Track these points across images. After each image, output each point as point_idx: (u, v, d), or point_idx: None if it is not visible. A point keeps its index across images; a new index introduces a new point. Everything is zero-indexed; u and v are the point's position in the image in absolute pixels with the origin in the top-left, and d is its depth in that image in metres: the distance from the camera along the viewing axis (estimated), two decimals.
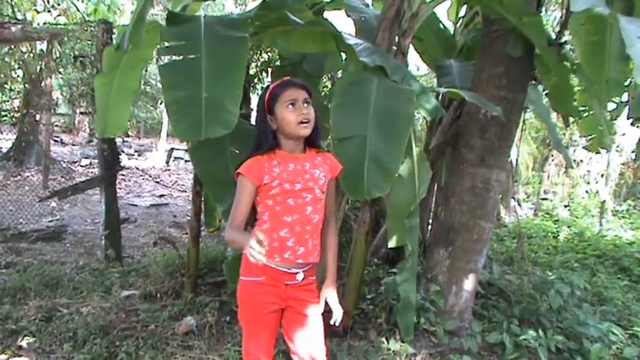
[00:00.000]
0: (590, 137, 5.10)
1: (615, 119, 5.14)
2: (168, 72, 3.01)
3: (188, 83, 2.91)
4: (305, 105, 2.19)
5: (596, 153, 5.47)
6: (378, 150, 3.07)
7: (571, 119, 5.11)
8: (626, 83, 4.19)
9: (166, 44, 3.16)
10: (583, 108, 4.90)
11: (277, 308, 2.26)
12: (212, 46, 3.03)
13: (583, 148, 5.29)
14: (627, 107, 4.73)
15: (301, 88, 2.23)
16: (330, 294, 2.38)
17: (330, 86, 6.67)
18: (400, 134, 3.14)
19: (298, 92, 2.20)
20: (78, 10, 9.17)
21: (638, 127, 5.03)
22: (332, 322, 2.36)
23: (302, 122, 2.17)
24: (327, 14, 4.44)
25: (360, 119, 3.13)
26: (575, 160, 13.12)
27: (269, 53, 6.19)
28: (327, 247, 2.42)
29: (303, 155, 2.28)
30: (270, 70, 5.97)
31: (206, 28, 3.13)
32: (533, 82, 4.65)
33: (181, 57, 3.02)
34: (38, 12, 8.83)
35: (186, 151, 17.18)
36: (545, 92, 4.90)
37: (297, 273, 2.24)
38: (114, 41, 5.49)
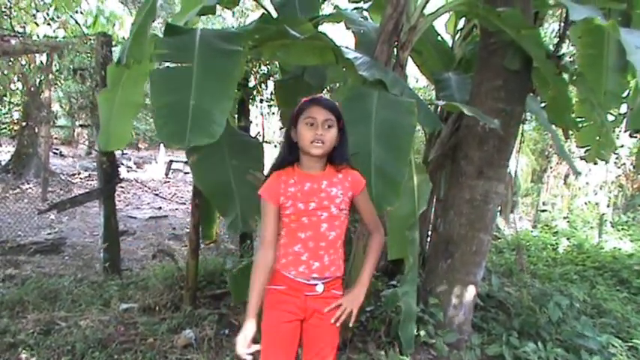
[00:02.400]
0: (587, 148, 5.10)
1: (613, 131, 5.16)
2: (158, 78, 2.99)
3: (177, 90, 2.89)
4: (325, 126, 2.24)
5: (594, 164, 5.48)
6: (383, 163, 3.08)
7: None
8: (624, 95, 4.21)
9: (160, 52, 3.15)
10: (581, 119, 4.92)
11: (296, 319, 2.32)
12: (205, 57, 3.02)
13: (580, 158, 5.29)
14: (625, 119, 4.75)
15: (326, 108, 2.26)
16: (344, 299, 2.37)
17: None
18: (403, 146, 3.16)
19: (320, 112, 2.25)
20: (77, 23, 9.18)
21: (637, 137, 5.04)
22: (332, 320, 2.35)
23: (314, 142, 2.22)
24: (326, 27, 4.46)
25: (363, 134, 3.14)
26: (573, 172, 13.11)
27: (268, 66, 6.21)
28: (366, 258, 2.48)
29: (322, 173, 2.33)
30: (270, 82, 5.99)
31: (201, 39, 3.14)
32: (532, 94, 4.66)
33: (173, 65, 3.01)
34: (38, 25, 8.85)
35: (185, 163, 17.17)
36: (543, 105, 4.90)
37: (316, 285, 2.29)
38: (113, 54, 5.52)
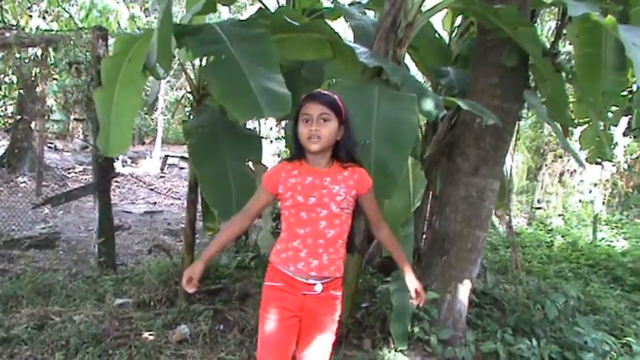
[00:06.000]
0: (589, 149, 5.10)
1: (609, 129, 5.17)
2: (211, 72, 3.24)
3: (231, 77, 3.05)
4: (321, 121, 2.21)
5: (596, 164, 5.48)
6: (383, 157, 3.06)
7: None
8: (623, 94, 4.21)
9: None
10: (584, 120, 4.91)
11: (293, 315, 2.29)
12: (238, 44, 3.19)
13: (585, 160, 5.27)
14: (626, 118, 4.75)
15: (321, 103, 2.24)
16: (409, 280, 2.50)
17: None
18: (405, 142, 3.15)
19: (315, 107, 2.23)
20: (71, 17, 9.15)
21: (630, 136, 5.06)
22: (416, 303, 2.50)
23: (310, 137, 2.21)
24: None
25: (364, 127, 3.11)
26: (568, 170, 13.18)
27: None
28: (389, 249, 2.57)
29: (327, 169, 2.30)
30: None
31: (223, 30, 3.24)
32: (529, 90, 4.66)
33: (214, 57, 3.15)
34: (31, 17, 8.82)
35: (181, 158, 17.15)
36: (542, 100, 4.89)
37: (314, 284, 2.27)
38: (109, 48, 5.49)
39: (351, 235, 2.43)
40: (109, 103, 3.61)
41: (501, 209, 6.29)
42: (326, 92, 2.33)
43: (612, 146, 5.15)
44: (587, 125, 4.98)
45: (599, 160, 5.21)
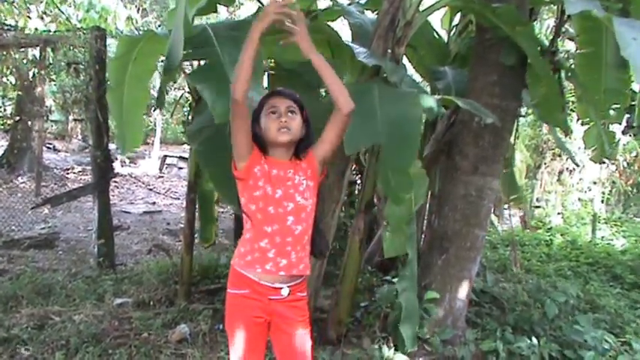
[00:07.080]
0: (593, 148, 5.09)
1: (607, 127, 5.16)
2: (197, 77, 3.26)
3: (215, 80, 3.12)
4: (288, 114, 2.20)
5: (601, 163, 5.46)
6: (394, 156, 3.12)
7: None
8: (626, 91, 4.21)
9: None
10: (586, 119, 4.89)
11: (262, 321, 2.24)
12: (227, 48, 3.18)
13: (590, 159, 5.25)
14: (626, 116, 4.72)
15: (287, 97, 2.24)
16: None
17: (324, 94, 6.65)
18: (411, 137, 3.20)
19: (282, 101, 2.22)
20: (68, 20, 9.14)
21: (630, 135, 5.06)
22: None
23: (280, 129, 2.17)
24: None
25: (370, 130, 3.14)
26: (567, 168, 13.17)
27: (263, 61, 6.17)
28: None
29: (288, 162, 2.26)
30: (269, 75, 5.96)
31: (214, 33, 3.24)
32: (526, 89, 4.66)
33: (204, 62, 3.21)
34: (30, 18, 8.80)
35: (179, 158, 17.11)
36: (533, 102, 4.85)
37: (281, 288, 2.21)
38: (108, 48, 5.50)
39: (314, 238, 2.34)
40: (119, 103, 3.65)
41: (516, 203, 6.31)
42: (287, 89, 2.33)
43: (614, 144, 5.13)
44: (590, 124, 4.95)
45: (603, 159, 5.18)
